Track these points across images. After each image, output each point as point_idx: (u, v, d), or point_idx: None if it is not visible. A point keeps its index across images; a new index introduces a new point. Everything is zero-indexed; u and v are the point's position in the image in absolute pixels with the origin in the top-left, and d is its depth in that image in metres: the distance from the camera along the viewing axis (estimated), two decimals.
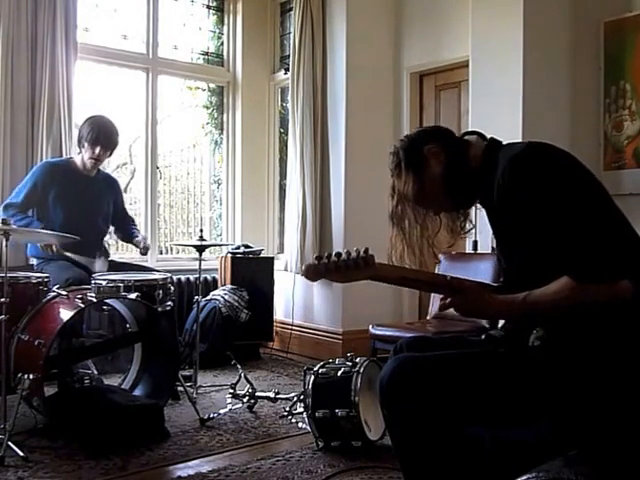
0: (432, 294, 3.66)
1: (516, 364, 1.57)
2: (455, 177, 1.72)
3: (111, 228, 4.03)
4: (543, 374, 1.52)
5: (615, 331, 1.49)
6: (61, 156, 4.07)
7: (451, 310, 1.66)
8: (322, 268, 1.54)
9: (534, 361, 1.56)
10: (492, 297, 1.64)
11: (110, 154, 3.81)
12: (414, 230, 1.77)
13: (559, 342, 1.54)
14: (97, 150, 3.66)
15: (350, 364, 2.78)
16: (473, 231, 1.85)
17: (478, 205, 1.80)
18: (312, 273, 1.55)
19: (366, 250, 1.57)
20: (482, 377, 1.56)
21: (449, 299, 1.64)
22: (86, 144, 3.68)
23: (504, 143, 1.72)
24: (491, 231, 1.80)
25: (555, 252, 1.50)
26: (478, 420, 1.61)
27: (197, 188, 5.57)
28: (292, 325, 4.94)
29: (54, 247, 3.44)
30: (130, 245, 4.17)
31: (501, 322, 2.00)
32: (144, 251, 3.92)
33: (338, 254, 1.55)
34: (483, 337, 1.78)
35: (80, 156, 3.78)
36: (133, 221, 4.14)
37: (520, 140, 2.09)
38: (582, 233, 1.47)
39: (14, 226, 2.86)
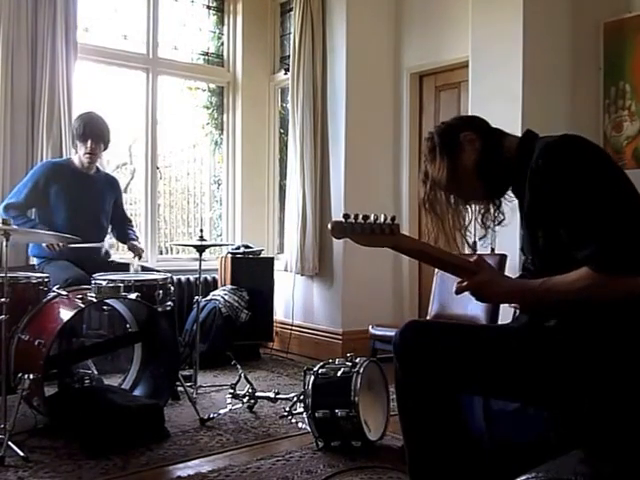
0: (433, 293, 3.67)
1: (525, 338, 1.58)
2: (488, 165, 1.72)
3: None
4: (551, 354, 1.52)
5: (629, 326, 1.49)
6: (61, 156, 4.08)
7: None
8: (348, 227, 1.55)
9: (544, 338, 1.56)
10: (507, 279, 1.66)
11: (105, 147, 3.81)
12: (447, 217, 1.77)
13: (573, 328, 1.53)
14: (89, 144, 3.68)
15: (350, 364, 2.78)
16: (472, 231, 1.85)
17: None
18: (337, 231, 1.55)
19: (393, 218, 1.58)
20: (487, 346, 1.58)
21: (465, 282, 1.64)
22: (78, 141, 3.72)
23: (540, 135, 1.72)
24: (495, 229, 1.81)
25: (577, 241, 1.49)
26: (477, 387, 1.62)
27: (197, 188, 5.56)
28: (292, 325, 4.94)
29: (57, 245, 3.44)
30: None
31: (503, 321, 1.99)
32: (138, 256, 3.93)
33: (365, 217, 1.55)
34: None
35: (77, 155, 3.79)
36: (130, 222, 4.14)
37: None
38: (606, 223, 1.47)
39: (14, 226, 2.86)
